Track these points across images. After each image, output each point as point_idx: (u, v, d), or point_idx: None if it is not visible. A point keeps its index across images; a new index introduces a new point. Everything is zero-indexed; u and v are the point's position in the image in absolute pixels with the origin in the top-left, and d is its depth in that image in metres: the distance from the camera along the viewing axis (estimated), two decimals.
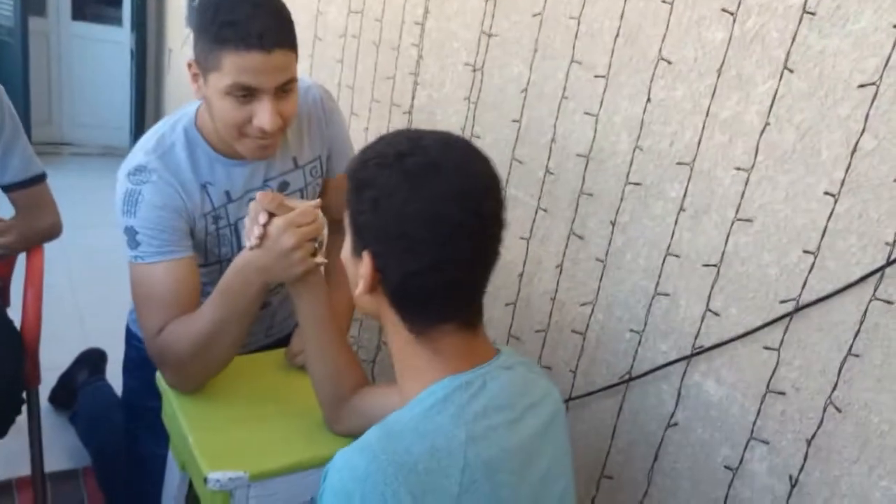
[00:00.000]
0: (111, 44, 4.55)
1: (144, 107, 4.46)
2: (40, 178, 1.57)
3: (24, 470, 1.67)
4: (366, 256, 0.74)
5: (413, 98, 1.71)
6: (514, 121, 1.39)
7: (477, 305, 0.78)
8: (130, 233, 1.14)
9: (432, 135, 0.76)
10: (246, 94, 1.06)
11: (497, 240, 0.76)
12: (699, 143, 1.03)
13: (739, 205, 0.97)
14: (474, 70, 1.50)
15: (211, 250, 1.31)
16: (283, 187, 1.37)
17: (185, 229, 1.19)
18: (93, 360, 2.07)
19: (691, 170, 1.05)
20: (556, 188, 1.31)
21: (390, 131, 0.79)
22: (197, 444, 1.04)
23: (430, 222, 0.70)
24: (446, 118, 1.61)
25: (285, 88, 1.09)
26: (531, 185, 1.37)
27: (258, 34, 1.02)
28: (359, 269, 0.75)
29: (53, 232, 1.62)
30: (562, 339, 1.32)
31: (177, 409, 1.10)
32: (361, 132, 1.96)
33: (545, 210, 1.34)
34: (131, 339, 1.53)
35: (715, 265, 1.02)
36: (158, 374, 1.18)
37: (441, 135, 0.77)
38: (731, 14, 0.97)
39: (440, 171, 0.71)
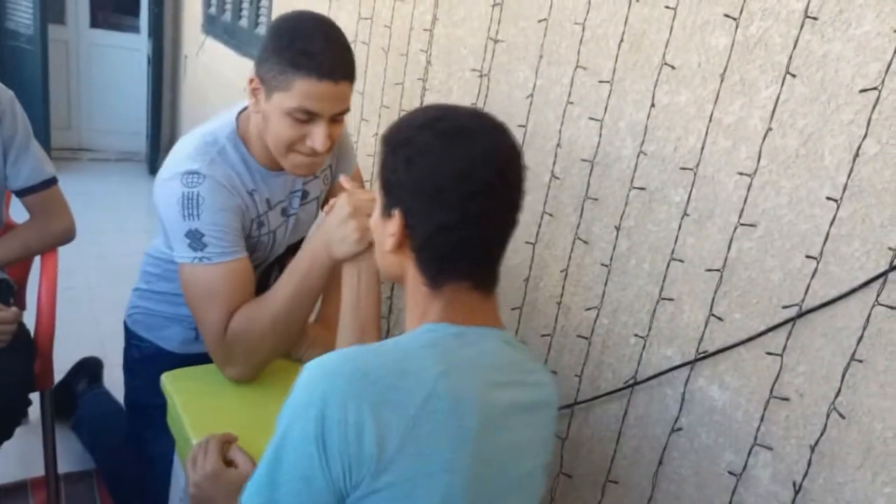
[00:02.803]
0: (129, 51, 4.62)
1: (161, 113, 4.51)
2: (52, 182, 1.59)
3: (39, 471, 1.69)
4: (396, 214, 0.80)
5: (422, 104, 1.72)
6: (519, 126, 1.39)
7: (493, 270, 0.83)
8: (195, 235, 1.17)
9: (462, 107, 0.83)
10: (306, 117, 1.14)
11: (517, 207, 0.82)
12: (703, 148, 1.03)
13: (743, 210, 0.97)
14: (481, 76, 1.50)
15: (249, 254, 1.34)
16: (305, 196, 1.40)
17: (241, 230, 1.24)
18: (91, 369, 2.09)
19: (695, 175, 1.05)
20: (562, 193, 1.32)
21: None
22: None
23: (461, 179, 0.76)
24: None
25: (339, 116, 1.19)
26: (537, 189, 1.37)
27: (331, 66, 1.11)
28: (387, 229, 0.81)
29: (67, 235, 1.65)
30: (567, 344, 1.32)
31: (181, 412, 1.12)
32: (371, 138, 1.98)
33: (551, 215, 1.34)
34: (132, 338, 1.55)
35: (719, 270, 1.01)
36: (164, 378, 1.19)
37: (469, 107, 0.85)
38: (734, 19, 0.97)
39: (471, 134, 0.78)
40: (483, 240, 0.80)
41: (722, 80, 0.99)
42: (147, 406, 1.45)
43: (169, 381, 1.19)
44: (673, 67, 1.08)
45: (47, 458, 1.63)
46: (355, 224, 1.07)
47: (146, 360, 1.49)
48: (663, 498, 1.13)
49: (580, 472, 1.31)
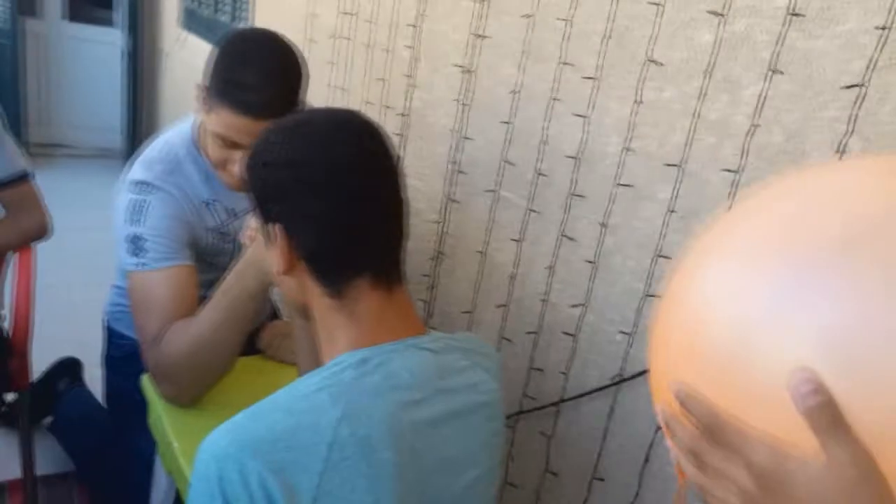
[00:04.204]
0: (104, 45, 4.54)
1: (138, 109, 4.44)
2: (25, 177, 1.56)
3: (15, 473, 1.66)
4: (275, 231, 0.76)
5: (408, 100, 1.70)
6: (504, 122, 1.39)
7: (390, 258, 0.79)
8: (136, 240, 1.15)
9: (319, 108, 0.83)
10: (229, 144, 1.13)
11: (395, 183, 0.78)
12: (688, 144, 1.03)
13: (730, 207, 0.97)
14: (465, 72, 1.50)
15: (210, 263, 1.32)
16: None
17: (188, 240, 1.22)
18: (70, 368, 2.05)
19: (681, 171, 1.05)
20: (547, 190, 1.31)
21: None
22: (182, 451, 1.03)
23: (315, 163, 0.74)
24: (437, 120, 1.61)
25: None
26: (522, 186, 1.37)
27: (255, 104, 1.08)
28: (275, 251, 0.77)
29: (41, 232, 1.61)
30: (553, 341, 1.32)
31: (162, 415, 1.10)
32: None
33: (537, 212, 1.34)
34: (112, 336, 1.54)
35: None
36: (145, 379, 1.17)
37: (328, 108, 0.85)
38: (719, 15, 0.97)
39: (315, 120, 0.77)
40: (366, 224, 0.76)
41: (707, 77, 0.99)
42: (129, 403, 1.42)
43: (150, 384, 1.17)
44: (658, 63, 1.08)
45: (25, 459, 1.60)
46: None
47: (127, 358, 1.47)
48: (650, 495, 1.14)
49: (566, 470, 1.31)
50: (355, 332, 0.76)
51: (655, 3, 1.06)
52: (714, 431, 0.46)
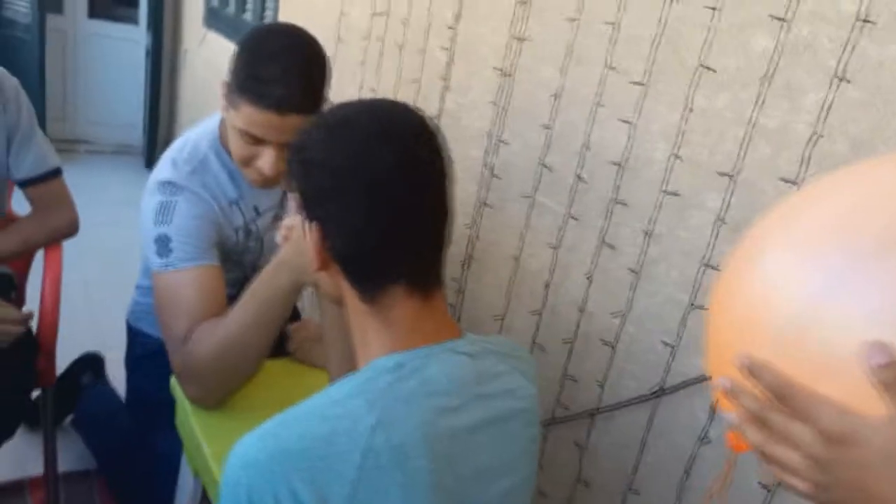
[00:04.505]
0: (127, 42, 4.56)
1: (158, 106, 4.45)
2: (56, 174, 1.55)
3: (36, 470, 1.65)
4: (311, 228, 0.74)
5: (442, 102, 1.69)
6: (545, 127, 1.37)
7: (429, 266, 0.75)
8: (163, 241, 1.14)
9: (369, 99, 0.77)
10: (253, 140, 1.11)
11: (441, 191, 0.74)
12: (742, 153, 1.01)
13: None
14: (503, 75, 1.47)
15: (237, 261, 1.31)
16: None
17: (215, 240, 1.20)
18: (93, 364, 2.04)
19: (733, 181, 1.02)
20: (587, 196, 1.29)
21: None
22: (213, 454, 1.01)
23: (358, 169, 0.70)
24: (472, 123, 1.59)
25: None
26: (560, 192, 1.34)
27: (278, 98, 1.05)
28: (310, 246, 0.75)
29: (70, 230, 1.60)
30: (589, 350, 1.29)
31: (190, 415, 1.08)
32: None
33: (575, 218, 1.31)
34: (136, 335, 1.52)
35: None
36: (173, 381, 1.15)
37: (378, 99, 0.78)
38: (782, 21, 0.94)
39: (360, 120, 0.72)
40: (404, 233, 0.72)
41: (766, 84, 0.97)
42: (153, 403, 1.41)
43: (177, 385, 1.16)
44: (711, 70, 1.05)
45: (47, 457, 1.59)
46: None
47: (150, 357, 1.46)
48: None
49: (599, 480, 1.29)
50: (389, 337, 0.74)
51: (711, 8, 1.04)
52: (785, 397, 0.49)
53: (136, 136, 4.66)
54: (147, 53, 4.33)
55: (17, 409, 1.37)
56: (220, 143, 1.25)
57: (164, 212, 1.15)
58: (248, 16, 3.20)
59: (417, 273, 0.74)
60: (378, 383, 0.69)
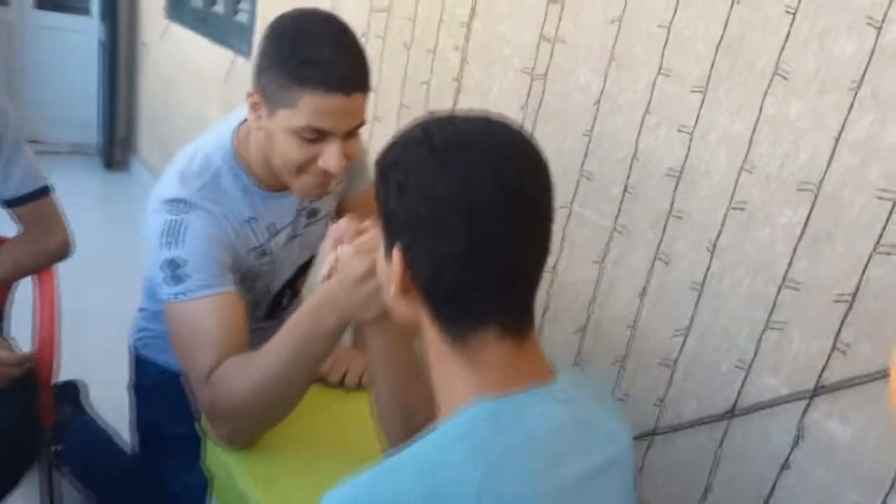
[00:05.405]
0: (79, 34, 4.28)
1: (116, 103, 4.21)
2: (45, 191, 1.42)
3: None
4: (395, 252, 0.66)
5: (455, 105, 1.60)
6: (583, 134, 1.29)
7: (523, 307, 0.69)
8: (173, 266, 1.02)
9: (468, 114, 0.69)
10: (316, 136, 1.00)
11: (545, 230, 0.68)
12: (826, 165, 0.95)
13: (882, 235, 0.90)
14: (532, 77, 1.39)
15: (249, 286, 1.21)
16: (314, 214, 1.27)
17: (230, 263, 1.09)
18: (71, 394, 1.89)
19: (814, 195, 0.97)
20: (635, 208, 1.22)
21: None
22: (261, 501, 0.92)
23: (461, 202, 0.63)
24: None
25: (354, 131, 1.04)
26: (601, 203, 1.28)
27: (340, 77, 0.96)
28: (389, 270, 0.68)
29: (62, 252, 1.47)
30: (640, 369, 1.24)
31: (226, 458, 0.99)
32: (385, 139, 1.84)
33: (620, 231, 1.25)
34: (143, 364, 1.41)
35: (846, 298, 0.94)
36: (204, 419, 1.05)
37: (478, 114, 0.69)
38: (876, 27, 0.89)
39: (471, 147, 0.65)
40: (501, 272, 0.65)
41: (855, 92, 0.91)
42: (166, 437, 1.30)
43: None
44: (782, 76, 1.00)
45: (43, 496, 1.46)
46: (374, 285, 0.83)
47: (161, 386, 1.35)
48: None
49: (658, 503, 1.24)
50: (476, 380, 0.67)
51: (787, 10, 0.98)
52: None
53: (91, 134, 4.40)
54: (101, 46, 4.08)
55: (23, 456, 1.24)
56: (234, 159, 1.14)
57: (172, 232, 1.04)
58: (218, 8, 3.03)
59: (513, 314, 0.68)
60: (477, 433, 0.63)
